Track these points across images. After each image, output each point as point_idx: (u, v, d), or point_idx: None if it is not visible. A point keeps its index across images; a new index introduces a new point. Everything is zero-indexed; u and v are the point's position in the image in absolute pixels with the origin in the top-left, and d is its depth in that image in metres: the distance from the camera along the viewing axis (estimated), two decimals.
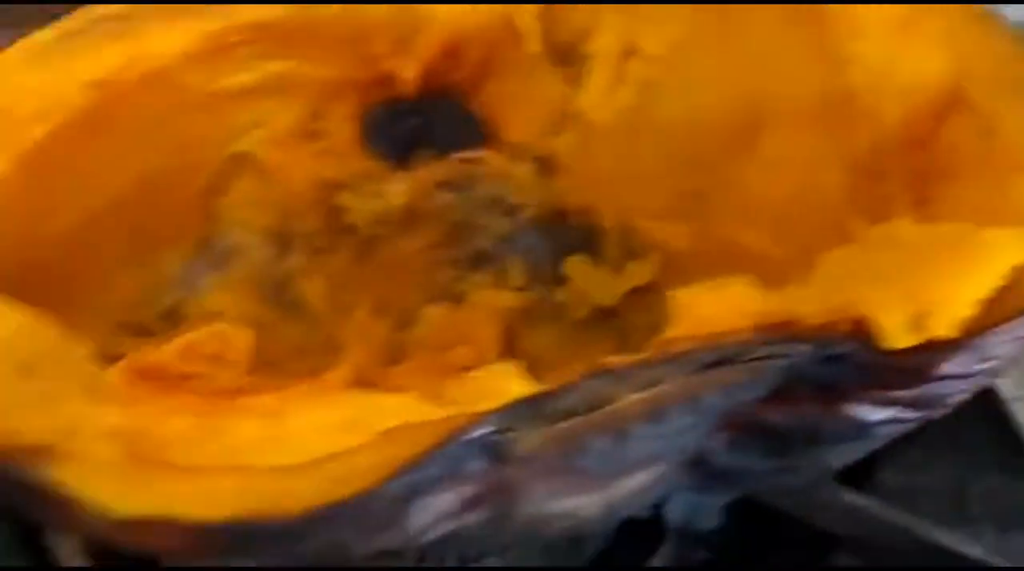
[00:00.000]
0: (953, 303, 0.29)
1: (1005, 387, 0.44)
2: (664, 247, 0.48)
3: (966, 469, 0.42)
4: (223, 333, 0.31)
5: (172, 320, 0.43)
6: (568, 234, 0.49)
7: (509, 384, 0.30)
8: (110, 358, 0.38)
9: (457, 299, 0.47)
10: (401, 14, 0.42)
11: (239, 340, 0.32)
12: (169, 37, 0.39)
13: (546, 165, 0.50)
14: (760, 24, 0.47)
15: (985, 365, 0.31)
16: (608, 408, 0.29)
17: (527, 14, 0.45)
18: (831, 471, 0.34)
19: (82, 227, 0.39)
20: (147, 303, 0.43)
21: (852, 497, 0.38)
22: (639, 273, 0.48)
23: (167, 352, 0.31)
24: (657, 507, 0.35)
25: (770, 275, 0.44)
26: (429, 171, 0.48)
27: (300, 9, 0.41)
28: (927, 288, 0.30)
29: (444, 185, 0.48)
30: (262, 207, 0.46)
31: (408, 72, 0.44)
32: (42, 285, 0.38)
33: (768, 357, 0.29)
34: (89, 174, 0.39)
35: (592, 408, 0.29)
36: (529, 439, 0.28)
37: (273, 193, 0.46)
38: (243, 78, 0.42)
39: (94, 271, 0.41)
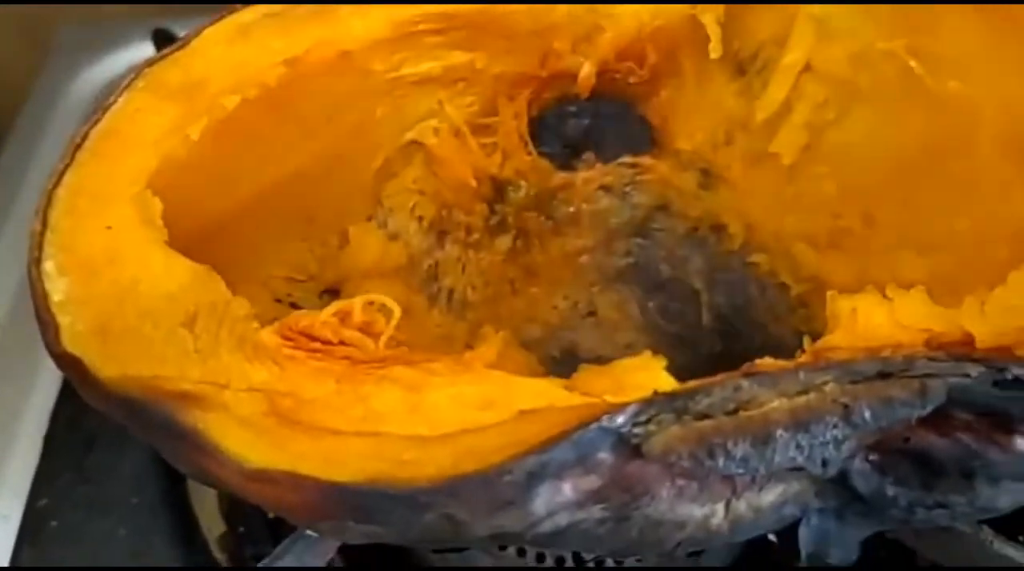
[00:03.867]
0: None
1: None
2: (819, 278, 0.46)
3: None
4: (374, 304, 0.32)
5: (329, 300, 0.44)
6: (722, 253, 0.48)
7: (651, 379, 0.29)
8: (267, 322, 0.40)
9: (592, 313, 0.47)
10: (585, 13, 0.42)
11: (389, 312, 0.32)
12: (360, 22, 0.41)
13: (710, 177, 0.48)
14: (957, 41, 0.44)
15: None
16: (752, 411, 0.27)
17: (711, 17, 0.44)
18: (990, 514, 0.31)
19: (259, 198, 0.41)
20: (308, 279, 0.44)
21: (1010, 550, 0.35)
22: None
23: (319, 317, 0.31)
24: (791, 532, 0.33)
25: None
26: (593, 174, 0.48)
27: (488, 5, 0.42)
28: None
29: (606, 189, 0.48)
30: (426, 196, 0.47)
31: (585, 71, 0.44)
32: (215, 249, 0.40)
33: (934, 375, 0.27)
34: (272, 147, 0.41)
35: (736, 410, 0.28)
36: (665, 435, 0.27)
37: (438, 183, 0.47)
38: (426, 67, 0.43)
39: (264, 241, 0.43)
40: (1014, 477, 0.29)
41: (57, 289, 0.32)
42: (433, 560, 0.43)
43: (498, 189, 0.48)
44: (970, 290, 0.42)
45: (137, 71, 0.39)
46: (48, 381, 0.48)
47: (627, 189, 0.48)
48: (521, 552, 0.42)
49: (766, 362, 0.29)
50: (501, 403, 0.29)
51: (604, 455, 0.27)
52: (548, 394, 0.29)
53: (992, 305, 0.29)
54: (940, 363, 0.28)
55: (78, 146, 0.36)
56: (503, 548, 0.42)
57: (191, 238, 0.39)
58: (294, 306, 0.44)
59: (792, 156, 0.49)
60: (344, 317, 0.32)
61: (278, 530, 0.44)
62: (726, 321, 0.48)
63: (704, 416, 0.27)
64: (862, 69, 0.47)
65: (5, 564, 0.41)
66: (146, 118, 0.37)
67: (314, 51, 0.40)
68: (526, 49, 0.43)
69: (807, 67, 0.48)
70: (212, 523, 0.45)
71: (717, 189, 0.49)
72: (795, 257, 0.48)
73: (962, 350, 0.28)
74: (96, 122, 0.37)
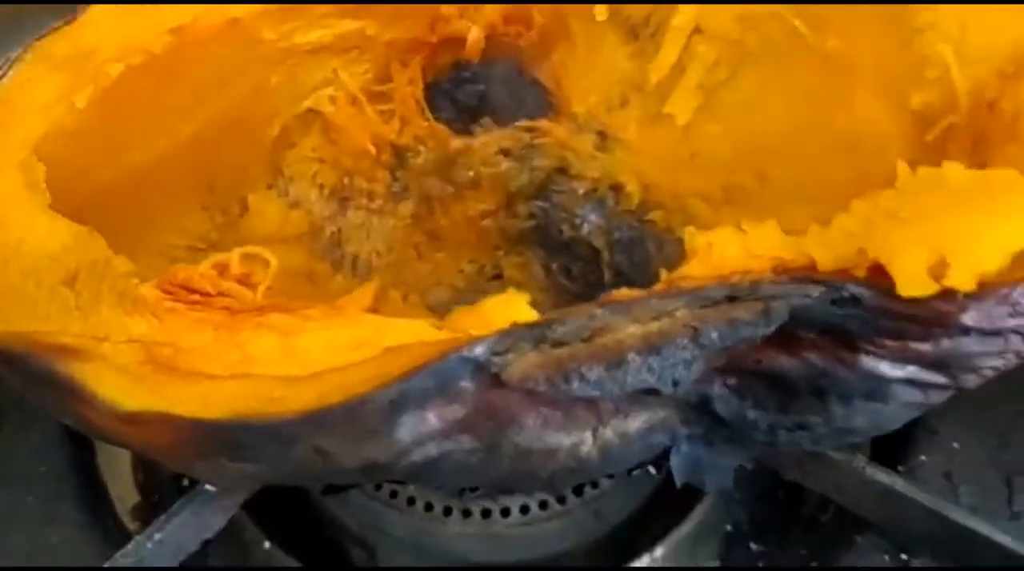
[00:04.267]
0: (979, 251, 0.28)
1: None
2: None
3: (1012, 453, 0.40)
4: (251, 256, 0.33)
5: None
6: (620, 212, 0.49)
7: (515, 313, 0.30)
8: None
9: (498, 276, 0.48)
10: None
11: (266, 263, 0.33)
12: None
13: (607, 138, 0.50)
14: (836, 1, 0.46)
15: (1014, 323, 0.29)
16: (607, 337, 0.29)
17: None
18: (852, 435, 0.33)
19: (153, 167, 0.42)
20: (208, 247, 0.45)
21: (883, 476, 0.37)
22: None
23: (198, 270, 0.32)
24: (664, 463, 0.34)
25: None
26: (491, 138, 0.49)
27: None
28: (952, 234, 0.28)
29: (505, 153, 0.49)
30: (326, 164, 0.48)
31: (473, 35, 0.45)
32: (109, 217, 0.41)
33: (777, 297, 0.29)
34: (162, 115, 0.41)
35: (591, 337, 0.29)
36: (522, 362, 0.28)
37: (338, 151, 0.48)
38: (317, 35, 0.44)
39: (163, 210, 0.43)
40: (863, 396, 0.31)
41: None
42: (343, 519, 0.44)
43: (398, 156, 0.49)
44: None
45: (26, 47, 0.39)
46: None
47: (525, 152, 0.49)
48: (428, 507, 0.43)
49: (622, 292, 0.30)
50: (372, 343, 0.30)
51: (466, 384, 0.28)
52: (418, 333, 0.30)
53: (833, 232, 0.31)
54: (783, 285, 0.29)
55: None
56: (411, 502, 0.43)
57: (83, 205, 0.39)
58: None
59: (686, 116, 0.50)
60: (223, 270, 0.33)
61: None
62: (626, 278, 0.49)
63: (561, 344, 0.29)
64: (750, 29, 0.49)
65: None
66: (34, 88, 0.38)
67: (201, 19, 0.40)
68: (415, 15, 0.44)
69: (697, 29, 0.50)
70: (126, 493, 0.46)
71: (614, 150, 0.50)
72: (690, 214, 0.49)
73: (805, 274, 0.30)
74: None
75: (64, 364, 0.30)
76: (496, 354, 0.28)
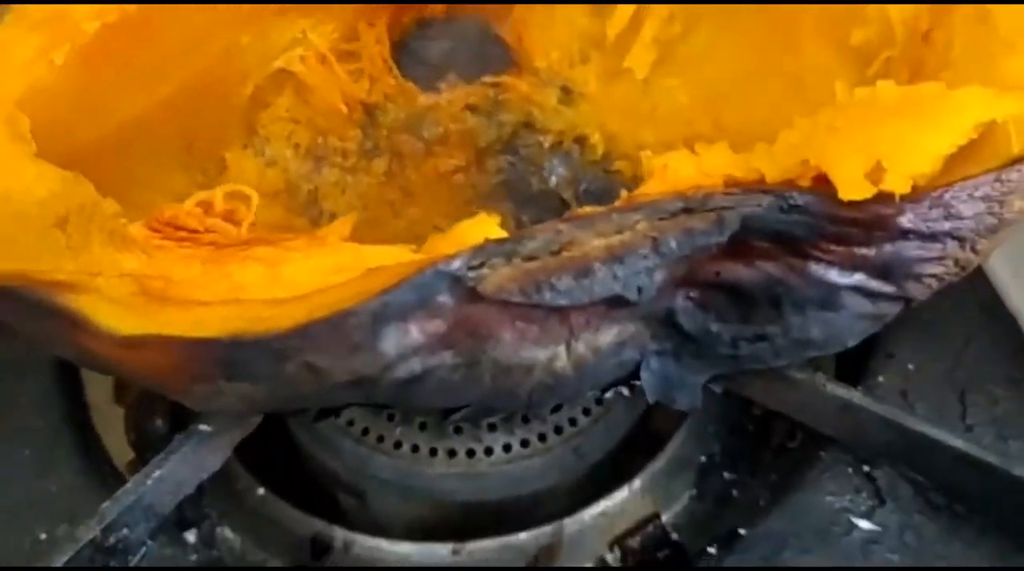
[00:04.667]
0: (912, 156, 0.30)
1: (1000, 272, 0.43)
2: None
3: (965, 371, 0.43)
4: (234, 193, 0.34)
5: None
6: (586, 163, 0.51)
7: (488, 232, 0.32)
8: None
9: None
10: None
11: (248, 198, 0.35)
12: None
13: (571, 93, 0.52)
14: None
15: (949, 226, 0.31)
16: (573, 250, 0.31)
17: None
18: (809, 348, 0.35)
19: (131, 126, 0.43)
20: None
21: (841, 390, 0.39)
22: None
23: (184, 208, 0.34)
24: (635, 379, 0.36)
25: None
26: (457, 94, 0.51)
27: None
28: (886, 142, 0.31)
29: (472, 108, 0.51)
30: (300, 124, 0.49)
31: None
32: (89, 177, 0.42)
33: (729, 207, 0.31)
34: (139, 74, 0.43)
35: (559, 250, 0.31)
36: (496, 276, 0.30)
37: (310, 111, 0.49)
38: None
39: (140, 171, 0.45)
40: (817, 304, 0.33)
41: None
42: (333, 466, 0.46)
43: (369, 114, 0.50)
44: None
45: (3, 9, 0.41)
46: None
47: (491, 108, 0.51)
48: (415, 448, 0.45)
49: (584, 210, 0.32)
50: (353, 268, 0.32)
51: (444, 298, 0.30)
52: (396, 256, 0.32)
53: (778, 146, 0.33)
54: (735, 197, 0.31)
55: None
56: (397, 446, 0.45)
57: (65, 163, 0.40)
58: None
59: (645, 71, 0.52)
60: (207, 207, 0.34)
61: None
62: None
63: (531, 258, 0.31)
64: None
65: None
66: (12, 48, 0.39)
67: None
68: None
69: None
70: (120, 451, 0.47)
71: (577, 104, 0.52)
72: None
73: (754, 186, 0.32)
74: None
75: (61, 297, 0.31)
76: (471, 269, 0.30)
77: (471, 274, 0.30)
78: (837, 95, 0.35)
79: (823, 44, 0.47)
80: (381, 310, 0.29)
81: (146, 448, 0.47)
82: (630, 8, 0.52)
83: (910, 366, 0.44)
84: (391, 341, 0.30)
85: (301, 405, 0.33)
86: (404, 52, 0.50)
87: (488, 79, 0.51)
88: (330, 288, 0.30)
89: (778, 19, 0.49)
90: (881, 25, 0.43)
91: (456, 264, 0.30)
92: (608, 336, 0.33)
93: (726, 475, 0.46)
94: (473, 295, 0.30)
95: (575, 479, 0.46)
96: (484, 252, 0.30)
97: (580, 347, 0.33)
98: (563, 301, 0.30)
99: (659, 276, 0.31)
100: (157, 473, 0.37)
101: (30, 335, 0.33)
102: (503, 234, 0.32)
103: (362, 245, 0.33)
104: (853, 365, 0.44)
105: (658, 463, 0.45)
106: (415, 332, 0.30)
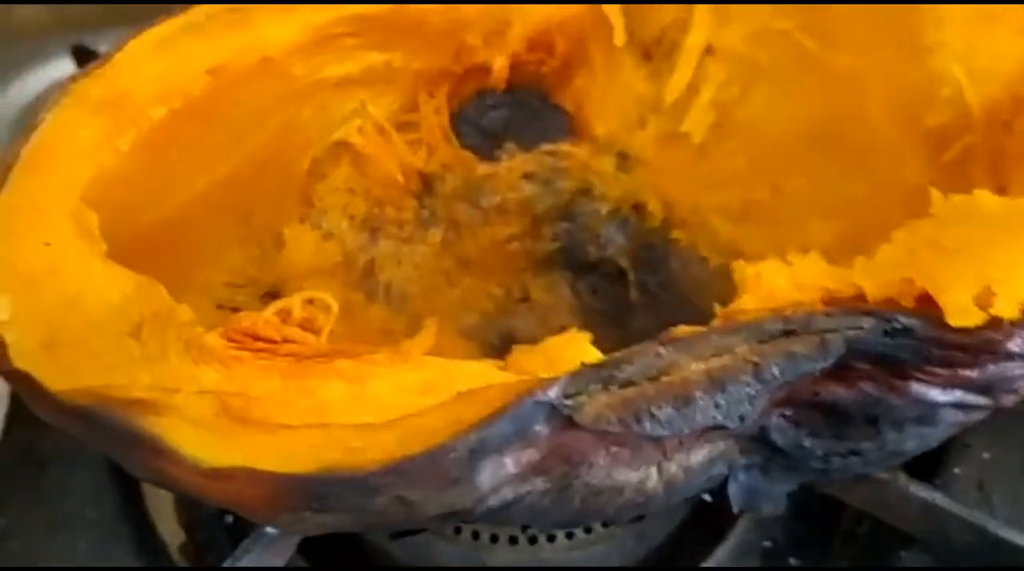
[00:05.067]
0: (1021, 280, 0.29)
1: None
2: (735, 249, 0.49)
3: None
4: (312, 300, 0.33)
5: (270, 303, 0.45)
6: (644, 230, 0.50)
7: (579, 353, 0.31)
8: (211, 327, 0.41)
9: (526, 298, 0.49)
10: (494, 10, 0.44)
11: (327, 307, 0.33)
12: (277, 29, 0.42)
13: (628, 159, 0.51)
14: (845, 20, 0.47)
15: None
16: (673, 376, 0.30)
17: (614, 7, 0.46)
18: (900, 458, 0.34)
19: (193, 206, 0.42)
20: (247, 283, 0.45)
21: (923, 492, 0.38)
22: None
23: (261, 317, 0.33)
24: (720, 492, 0.35)
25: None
26: (516, 163, 0.50)
27: (401, 6, 0.44)
28: (995, 264, 0.30)
29: (530, 177, 0.50)
30: (357, 195, 0.48)
31: (498, 64, 0.46)
32: (153, 259, 0.41)
33: (831, 330, 0.30)
34: (201, 155, 0.42)
35: (658, 376, 0.30)
36: (593, 404, 0.29)
37: (367, 181, 0.48)
38: (345, 68, 0.45)
39: (202, 249, 0.44)
40: (915, 421, 0.32)
41: (1, 307, 0.33)
42: (391, 551, 0.45)
43: (426, 183, 0.49)
44: (871, 250, 0.46)
45: (63, 88, 0.39)
46: None
47: (549, 176, 0.50)
48: (475, 535, 0.44)
49: (682, 329, 0.31)
50: (440, 387, 0.31)
51: (540, 428, 0.29)
52: (484, 375, 0.31)
53: (878, 262, 0.32)
54: (836, 318, 0.30)
55: (10, 166, 0.37)
56: (458, 531, 0.44)
57: (129, 250, 0.40)
58: (236, 312, 0.45)
59: (702, 134, 0.51)
60: (285, 316, 0.33)
61: (237, 535, 0.45)
62: (653, 296, 0.51)
63: (629, 383, 0.30)
64: (760, 48, 0.50)
65: None
66: (75, 132, 0.38)
67: (236, 59, 0.41)
68: (440, 46, 0.45)
69: (709, 49, 0.51)
70: (171, 533, 0.46)
71: (635, 170, 0.51)
72: (712, 230, 0.50)
73: (855, 304, 0.31)
74: (25, 141, 0.38)
75: (139, 419, 0.30)
76: (568, 396, 0.29)
77: (568, 402, 0.29)
78: (933, 202, 0.33)
79: (891, 119, 0.46)
80: (480, 445, 0.28)
81: (198, 529, 0.47)
82: (687, 72, 0.51)
83: (985, 455, 0.43)
84: (487, 474, 0.29)
85: (382, 529, 0.32)
86: (463, 121, 0.49)
87: (546, 147, 0.50)
88: (420, 414, 0.29)
89: (843, 87, 0.48)
90: (956, 108, 0.41)
91: (553, 393, 0.29)
92: (700, 455, 0.32)
93: (792, 561, 0.45)
94: (569, 423, 0.29)
95: (638, 564, 0.45)
96: (581, 378, 0.29)
97: (672, 467, 0.32)
98: (663, 432, 0.29)
99: (760, 402, 0.30)
100: None
101: (111, 454, 0.32)
102: (595, 354, 0.31)
103: (448, 361, 0.32)
104: (928, 456, 0.43)
105: (722, 549, 0.45)
106: (510, 464, 0.29)
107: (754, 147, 0.51)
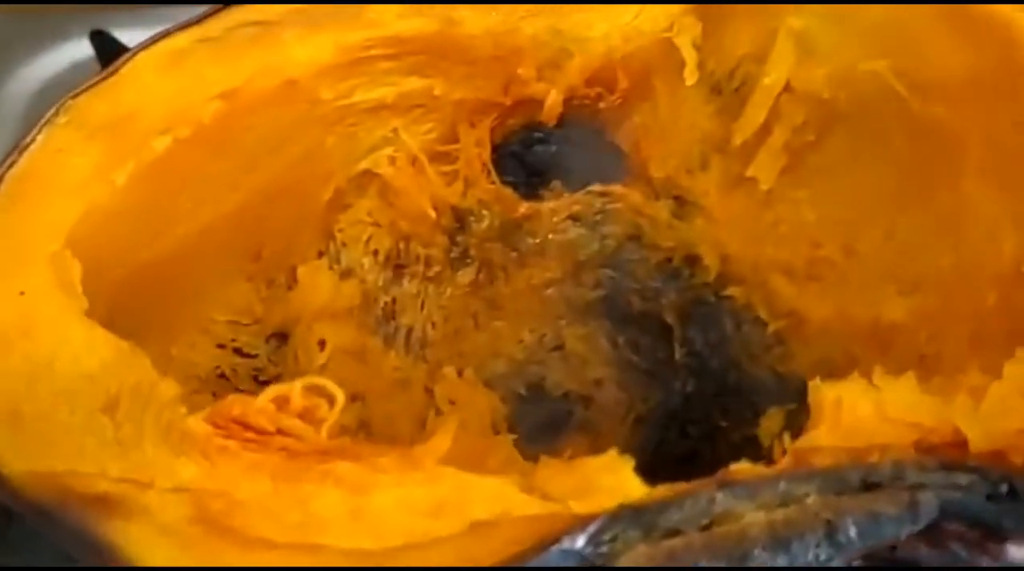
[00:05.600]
0: None
1: None
2: (797, 313, 0.44)
3: None
4: (316, 389, 0.29)
5: (276, 345, 0.41)
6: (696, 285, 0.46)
7: (619, 481, 0.26)
8: (206, 379, 0.37)
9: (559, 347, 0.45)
10: (551, 37, 0.39)
11: (332, 397, 0.29)
12: (307, 48, 0.37)
13: (685, 205, 0.46)
14: (942, 67, 0.41)
15: None
16: (728, 527, 0.25)
17: (687, 40, 0.41)
18: None
19: (196, 239, 0.38)
20: (253, 322, 0.41)
21: None
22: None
23: (255, 404, 0.28)
24: None
25: (921, 366, 0.40)
26: (561, 203, 0.45)
27: (447, 25, 0.39)
28: None
29: (574, 219, 0.45)
30: (382, 228, 0.44)
31: (551, 99, 0.41)
32: (148, 296, 0.37)
33: (924, 486, 0.25)
34: (209, 186, 0.38)
35: (709, 525, 0.25)
36: (631, 555, 0.25)
37: (394, 214, 0.44)
38: (378, 94, 0.40)
39: (205, 283, 0.40)
40: None
41: None
42: None
43: (459, 219, 0.45)
44: (954, 333, 0.41)
45: (59, 104, 0.35)
46: None
47: (597, 218, 0.46)
48: None
49: (743, 468, 0.26)
50: (453, 508, 0.26)
51: None
52: (505, 498, 0.27)
53: (987, 404, 0.27)
54: (930, 472, 0.25)
55: None
56: None
57: (120, 287, 0.36)
58: (238, 352, 0.41)
59: (770, 181, 0.46)
60: (282, 403, 0.29)
61: None
62: (699, 358, 0.46)
63: (675, 532, 0.25)
64: (844, 88, 0.44)
65: None
66: (68, 159, 0.34)
67: (254, 81, 0.36)
68: (488, 75, 0.40)
69: (786, 86, 0.45)
70: None
71: (692, 218, 0.46)
72: (772, 290, 0.46)
73: (954, 455, 0.26)
74: (12, 164, 0.34)
75: (103, 522, 0.26)
76: (601, 543, 0.25)
77: (601, 550, 0.24)
78: None
79: (988, 184, 0.40)
80: None
81: None
82: (762, 112, 0.45)
83: None
84: None
85: None
86: (506, 155, 0.44)
87: (596, 188, 0.45)
88: (427, 546, 0.25)
89: (935, 141, 0.42)
90: None
91: (583, 541, 0.24)
92: None
93: None
94: None
95: None
96: (618, 522, 0.25)
97: None
98: None
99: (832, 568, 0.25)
100: None
101: (70, 551, 0.28)
102: (639, 487, 0.26)
103: (463, 474, 0.27)
104: None
105: None
106: None
107: (827, 199, 0.46)
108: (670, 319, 0.46)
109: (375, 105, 0.40)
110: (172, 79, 0.36)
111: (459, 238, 0.45)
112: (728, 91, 0.46)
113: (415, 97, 0.41)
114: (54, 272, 0.31)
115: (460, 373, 0.45)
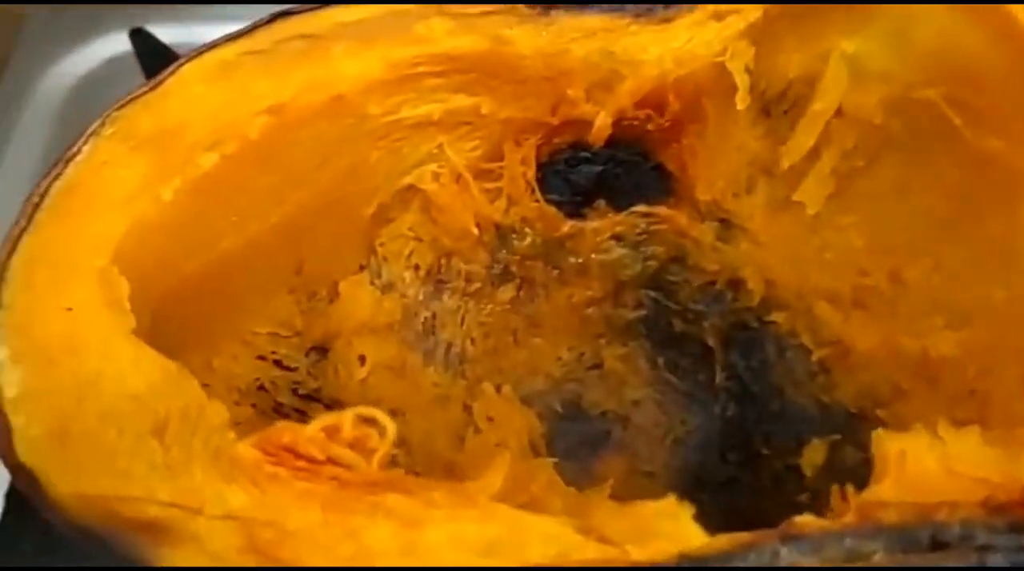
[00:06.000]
0: None
1: None
2: (842, 342, 0.43)
3: None
4: (367, 419, 0.28)
5: (316, 358, 0.41)
6: (739, 309, 0.45)
7: (678, 528, 0.26)
8: (246, 391, 0.36)
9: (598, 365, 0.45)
10: (602, 59, 0.38)
11: (382, 427, 0.29)
12: (354, 64, 0.37)
13: (730, 228, 0.45)
14: (999, 98, 0.40)
15: None
16: None
17: (740, 65, 0.40)
18: None
19: (240, 253, 0.38)
20: (293, 335, 0.41)
21: None
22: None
23: (305, 433, 0.28)
24: None
25: (971, 401, 0.39)
26: (604, 223, 0.44)
27: (497, 44, 0.38)
28: None
29: (618, 238, 0.45)
30: (424, 243, 0.43)
31: (600, 121, 0.40)
32: (191, 308, 0.37)
33: (994, 547, 0.24)
34: (255, 201, 0.37)
35: None
36: None
37: (437, 230, 0.43)
38: (425, 110, 0.39)
39: (247, 296, 0.39)
40: None
41: (11, 382, 0.29)
42: None
43: (502, 237, 0.44)
44: (1005, 369, 0.40)
45: (105, 115, 0.35)
46: None
47: (640, 239, 0.45)
48: None
49: (807, 521, 0.26)
50: (506, 548, 0.26)
51: None
52: (560, 539, 0.26)
53: None
54: (999, 533, 0.25)
55: (36, 205, 0.32)
56: None
57: (164, 299, 0.35)
58: (278, 364, 0.40)
59: (818, 205, 0.46)
60: (333, 432, 0.28)
61: None
62: (741, 382, 0.45)
63: None
64: (895, 115, 0.44)
65: None
66: (113, 172, 0.33)
67: (302, 95, 0.36)
68: (537, 95, 0.39)
69: (838, 111, 0.44)
70: None
71: (737, 241, 0.45)
72: (817, 317, 0.45)
73: (1022, 515, 0.25)
74: (57, 176, 0.33)
75: (151, 548, 0.26)
76: None
77: None
78: None
79: None
80: None
81: None
82: (811, 136, 0.44)
83: None
84: None
85: None
86: (551, 174, 0.43)
87: (641, 208, 0.44)
88: None
89: (989, 172, 0.41)
90: None
91: None
92: None
93: None
94: None
95: None
96: None
97: None
98: None
99: None
100: None
101: None
102: (699, 535, 0.25)
103: (517, 513, 0.27)
104: None
105: None
106: None
107: (876, 226, 0.45)
108: (712, 342, 0.45)
109: (421, 121, 0.40)
110: (219, 92, 0.35)
111: (500, 255, 0.44)
112: (777, 113, 0.45)
113: (462, 114, 0.40)
114: (102, 289, 0.30)
115: (499, 389, 0.44)
